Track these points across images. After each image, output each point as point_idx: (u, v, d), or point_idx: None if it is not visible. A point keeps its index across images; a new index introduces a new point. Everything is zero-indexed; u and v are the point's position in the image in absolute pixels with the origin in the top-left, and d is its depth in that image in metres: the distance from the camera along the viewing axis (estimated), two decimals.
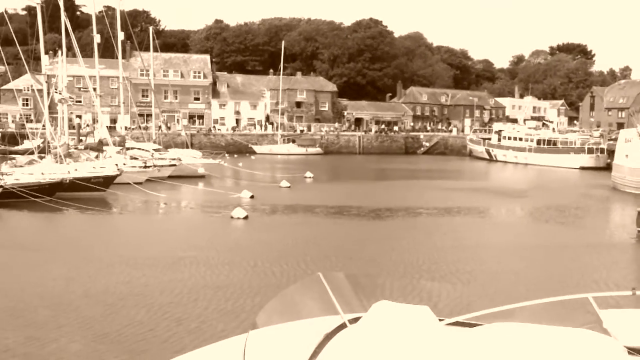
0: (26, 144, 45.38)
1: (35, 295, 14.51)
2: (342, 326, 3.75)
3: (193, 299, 14.20)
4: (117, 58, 55.00)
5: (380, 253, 19.99)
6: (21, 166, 37.25)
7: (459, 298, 14.55)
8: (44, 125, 43.94)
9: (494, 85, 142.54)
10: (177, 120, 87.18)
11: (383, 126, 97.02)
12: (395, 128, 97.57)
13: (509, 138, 75.66)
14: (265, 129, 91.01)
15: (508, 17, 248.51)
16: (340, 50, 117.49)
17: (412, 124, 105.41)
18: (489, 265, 18.50)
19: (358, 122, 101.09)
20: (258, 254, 19.28)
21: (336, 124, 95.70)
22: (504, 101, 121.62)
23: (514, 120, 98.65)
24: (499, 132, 78.53)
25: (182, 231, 25.08)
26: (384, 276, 15.89)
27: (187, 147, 57.59)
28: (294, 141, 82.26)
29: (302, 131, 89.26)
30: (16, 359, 4.31)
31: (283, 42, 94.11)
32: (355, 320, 3.77)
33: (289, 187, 39.86)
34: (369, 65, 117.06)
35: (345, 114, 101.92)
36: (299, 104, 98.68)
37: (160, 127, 68.50)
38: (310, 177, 46.99)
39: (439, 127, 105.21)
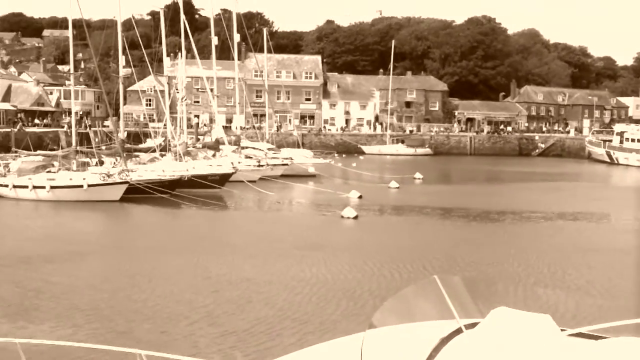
0: (149, 143, 47.93)
1: (166, 289, 15.28)
2: (458, 331, 3.73)
3: (314, 299, 14.44)
4: (233, 59, 56.95)
5: (496, 257, 19.46)
6: (144, 163, 39.51)
7: (582, 307, 13.90)
8: (165, 125, 46.34)
9: (616, 84, 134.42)
10: (289, 120, 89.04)
11: (502, 127, 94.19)
12: (509, 128, 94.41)
13: (633, 140, 71.12)
14: (374, 129, 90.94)
15: (632, 11, 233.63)
16: (451, 48, 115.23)
17: (526, 124, 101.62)
18: (615, 274, 17.50)
19: (469, 122, 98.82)
20: (370, 254, 19.36)
21: (455, 125, 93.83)
22: (627, 101, 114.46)
23: (638, 121, 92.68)
24: (621, 134, 74.01)
25: (296, 229, 25.61)
26: (501, 281, 15.45)
27: (299, 147, 58.70)
28: (403, 141, 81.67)
29: (411, 131, 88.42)
30: (149, 352, 4.71)
31: (393, 41, 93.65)
32: (472, 325, 3.74)
33: (398, 187, 39.66)
34: (482, 63, 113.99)
35: (456, 113, 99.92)
36: (408, 104, 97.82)
37: (278, 127, 70.23)
38: (419, 178, 46.50)
39: (556, 128, 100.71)
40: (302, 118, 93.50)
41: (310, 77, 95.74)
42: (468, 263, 18.51)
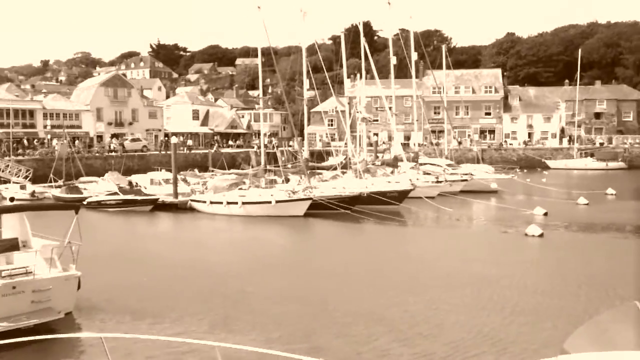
0: (331, 161, 49.70)
1: (356, 305, 15.65)
2: None
3: (505, 321, 14.08)
4: (411, 77, 57.34)
5: None
6: (326, 180, 41.01)
7: None
8: (346, 143, 47.77)
9: None
10: (468, 135, 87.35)
11: None
12: None
13: None
14: (560, 142, 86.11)
15: None
16: None
17: None
18: None
19: None
20: (560, 275, 18.45)
21: None
22: None
23: None
24: None
25: (478, 247, 25.09)
26: None
27: (478, 162, 57.37)
28: (592, 155, 76.34)
29: (601, 144, 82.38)
30: None
31: (580, 50, 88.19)
32: None
33: (587, 204, 37.18)
34: None
35: None
36: (598, 115, 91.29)
37: (459, 142, 69.36)
38: (612, 194, 43.14)
39: None
40: (482, 133, 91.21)
41: (490, 91, 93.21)
42: None
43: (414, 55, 56.95)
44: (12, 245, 14.58)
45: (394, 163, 45.99)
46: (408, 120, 79.68)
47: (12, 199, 20.24)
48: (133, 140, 67.22)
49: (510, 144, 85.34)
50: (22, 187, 42.58)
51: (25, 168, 47.29)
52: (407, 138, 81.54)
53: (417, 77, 62.17)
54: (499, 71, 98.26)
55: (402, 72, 66.77)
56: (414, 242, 27.21)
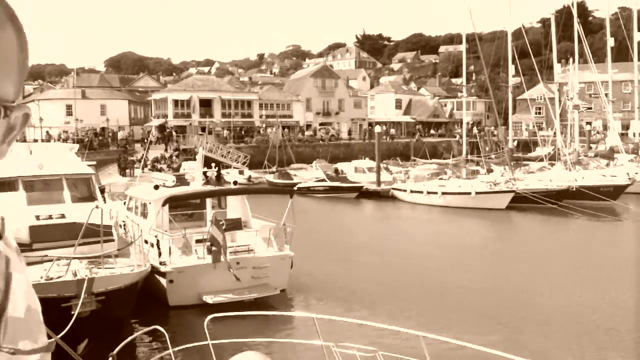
0: (537, 151, 47.60)
1: (556, 308, 15.23)
2: None
3: None
4: (631, 61, 52.64)
5: None
6: (532, 172, 39.40)
7: None
8: (554, 133, 45.37)
9: None
10: None
11: None
12: None
13: None
14: None
15: None
16: None
17: None
18: None
19: None
20: None
21: None
22: None
23: None
24: None
25: None
26: None
27: None
28: None
29: None
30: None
31: None
32: None
33: None
34: None
35: None
36: None
37: None
38: None
39: None
40: None
41: None
42: None
43: (637, 36, 52.11)
44: (236, 225, 16.32)
45: (609, 155, 42.76)
46: (627, 108, 73.24)
47: (235, 183, 22.53)
48: (322, 129, 70.63)
49: None
50: (240, 172, 46.78)
51: (244, 154, 51.71)
52: (626, 127, 74.91)
53: (639, 60, 56.85)
54: None
55: (621, 55, 61.45)
56: (632, 242, 25.18)
